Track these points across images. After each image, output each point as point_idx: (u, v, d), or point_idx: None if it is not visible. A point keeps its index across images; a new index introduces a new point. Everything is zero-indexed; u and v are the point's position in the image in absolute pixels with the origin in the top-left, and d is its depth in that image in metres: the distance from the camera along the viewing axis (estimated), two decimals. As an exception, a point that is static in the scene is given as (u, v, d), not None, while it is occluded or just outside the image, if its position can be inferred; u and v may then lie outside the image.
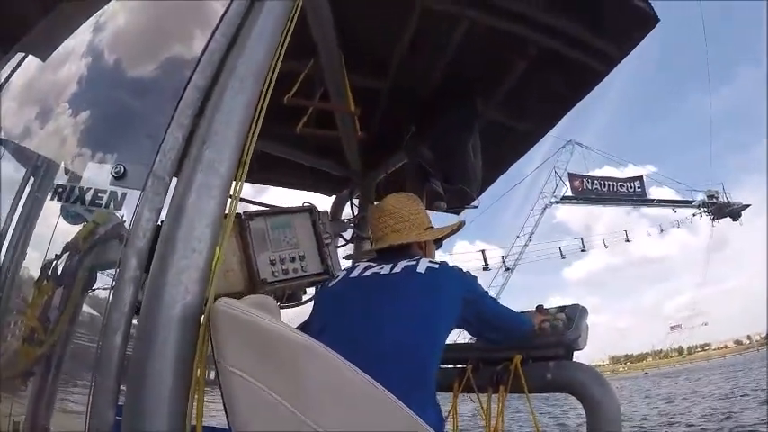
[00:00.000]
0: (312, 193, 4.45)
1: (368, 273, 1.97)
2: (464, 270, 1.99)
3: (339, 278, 2.04)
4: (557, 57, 3.06)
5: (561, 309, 2.20)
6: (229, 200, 1.30)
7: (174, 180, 1.31)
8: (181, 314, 1.13)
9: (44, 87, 1.89)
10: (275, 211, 2.55)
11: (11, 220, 1.52)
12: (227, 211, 1.30)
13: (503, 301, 2.13)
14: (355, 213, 3.91)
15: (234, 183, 1.32)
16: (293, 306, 2.62)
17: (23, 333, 1.43)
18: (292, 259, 2.43)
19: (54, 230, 1.44)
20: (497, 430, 2.13)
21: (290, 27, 1.61)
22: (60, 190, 1.43)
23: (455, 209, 3.86)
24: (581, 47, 3.01)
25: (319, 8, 2.50)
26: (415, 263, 1.92)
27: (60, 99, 1.73)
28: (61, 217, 1.41)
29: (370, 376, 1.20)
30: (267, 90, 1.46)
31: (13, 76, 1.91)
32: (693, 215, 49.88)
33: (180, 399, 1.10)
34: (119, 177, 1.32)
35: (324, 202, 4.34)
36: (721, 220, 49.48)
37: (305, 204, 2.67)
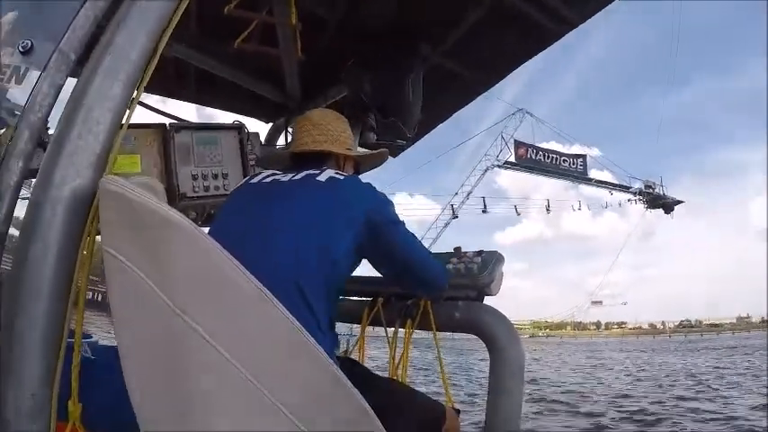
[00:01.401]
0: (248, 118, 4.27)
1: (268, 179, 1.83)
2: (377, 190, 1.82)
3: (240, 184, 1.91)
4: (513, 11, 3.02)
5: (478, 253, 2.20)
6: (135, 89, 1.22)
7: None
8: (69, 196, 1.08)
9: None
10: (202, 126, 2.49)
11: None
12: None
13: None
14: (289, 141, 3.80)
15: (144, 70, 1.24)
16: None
17: None
18: (215, 176, 2.40)
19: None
20: (402, 365, 2.17)
21: None
22: None
23: (385, 142, 3.81)
24: (538, 5, 2.97)
25: None
26: (318, 171, 1.79)
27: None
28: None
29: None
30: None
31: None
32: (629, 200, 51.95)
33: (62, 281, 1.07)
34: (25, 52, 1.23)
35: (260, 129, 4.21)
36: (654, 211, 51.85)
37: (234, 123, 2.61)
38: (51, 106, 1.18)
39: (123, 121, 1.19)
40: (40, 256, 1.05)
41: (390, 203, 1.83)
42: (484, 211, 47.16)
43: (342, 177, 1.76)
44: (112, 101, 1.14)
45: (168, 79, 3.72)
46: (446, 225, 45.75)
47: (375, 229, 1.70)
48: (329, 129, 2.00)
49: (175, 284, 1.03)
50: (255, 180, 1.86)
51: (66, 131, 1.10)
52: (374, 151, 2.22)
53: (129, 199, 1.02)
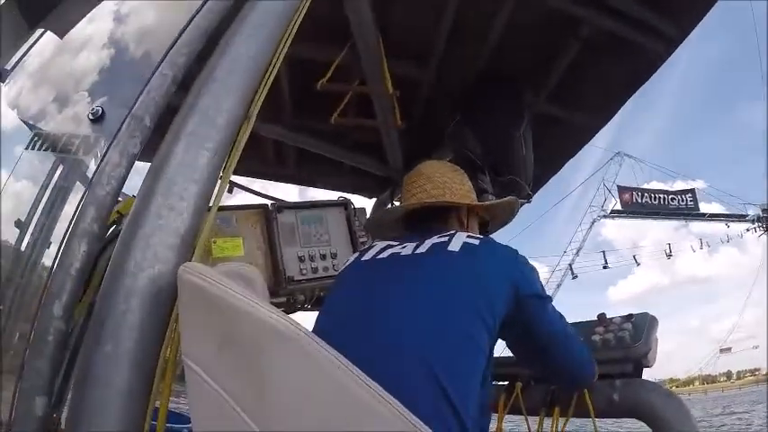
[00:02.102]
0: (352, 195, 4.20)
1: (384, 254, 1.50)
2: (522, 255, 1.50)
3: (349, 262, 1.60)
4: (612, 38, 2.79)
5: (627, 318, 1.86)
6: (227, 158, 1.06)
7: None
8: (146, 285, 0.89)
9: (59, 64, 1.77)
10: (306, 204, 2.38)
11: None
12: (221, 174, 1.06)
13: None
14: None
15: (237, 135, 1.08)
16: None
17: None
18: (323, 257, 2.25)
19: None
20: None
21: None
22: (36, 138, 1.25)
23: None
24: (638, 26, 2.72)
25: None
26: (447, 239, 1.45)
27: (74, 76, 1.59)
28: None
29: None
30: (286, 40, 1.24)
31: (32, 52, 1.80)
32: (747, 230, 47.09)
33: (139, 392, 0.87)
34: (95, 120, 1.12)
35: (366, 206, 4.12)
36: None
37: (340, 199, 2.48)
38: (124, 179, 1.03)
39: (213, 197, 1.03)
40: (110, 362, 0.86)
41: (535, 272, 1.50)
42: (605, 267, 44.48)
43: (478, 242, 1.46)
44: (198, 171, 0.97)
45: (268, 162, 3.75)
46: (558, 286, 43.64)
47: (519, 303, 1.39)
48: (445, 181, 1.67)
49: (271, 412, 0.79)
50: (368, 256, 1.54)
51: (143, 208, 0.93)
52: (503, 200, 1.87)
53: (212, 294, 0.81)
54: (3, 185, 1.46)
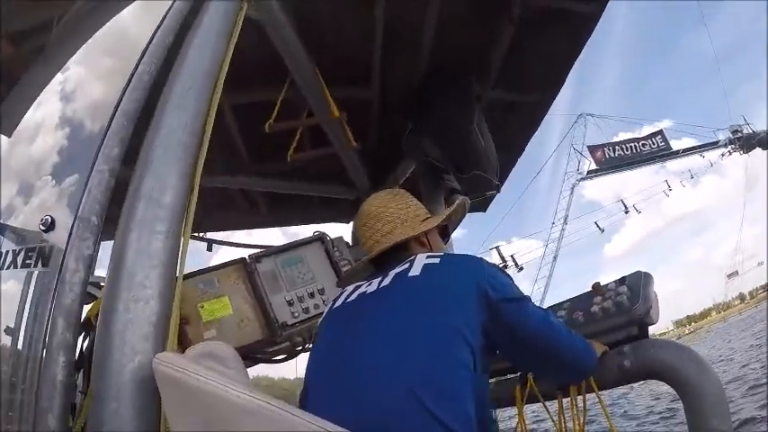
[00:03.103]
0: (330, 224, 4.22)
1: (353, 296, 1.51)
2: (486, 261, 1.48)
3: (325, 313, 1.60)
4: (543, 11, 2.83)
5: (621, 281, 1.84)
6: (183, 237, 1.06)
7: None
8: (131, 380, 0.91)
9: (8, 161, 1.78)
10: (283, 248, 2.35)
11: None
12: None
13: (553, 294, 1.70)
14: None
15: (185, 213, 1.08)
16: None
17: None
18: (311, 295, 2.22)
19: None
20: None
21: (231, 40, 1.45)
22: None
23: (476, 198, 3.55)
24: None
25: (280, 27, 2.33)
26: (407, 265, 1.45)
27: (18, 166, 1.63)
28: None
29: None
30: (212, 105, 1.25)
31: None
32: (722, 155, 47.30)
33: None
34: (47, 229, 1.13)
35: (346, 232, 4.12)
36: (752, 153, 47.11)
37: (315, 234, 2.47)
38: (85, 282, 1.03)
39: (177, 274, 1.02)
40: None
41: (505, 276, 1.47)
42: (602, 231, 44.46)
43: (438, 260, 1.44)
44: (156, 257, 0.98)
45: (240, 212, 3.75)
46: (555, 258, 43.57)
47: (494, 310, 1.35)
48: (390, 212, 1.69)
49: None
50: (340, 302, 1.55)
51: (111, 307, 0.94)
52: (451, 207, 1.84)
53: (186, 383, 0.81)
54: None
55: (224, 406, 0.78)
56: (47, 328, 1.02)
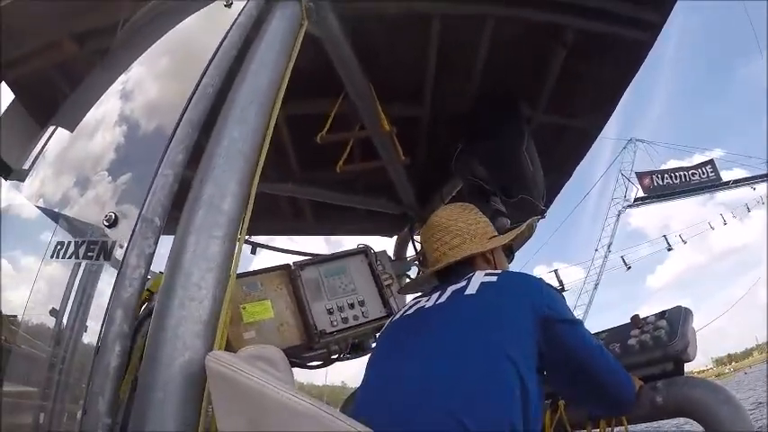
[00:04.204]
0: (373, 237, 4.27)
1: (411, 310, 1.57)
2: (544, 281, 1.51)
3: (384, 327, 1.67)
4: (596, 38, 2.81)
5: (661, 315, 1.82)
6: (237, 242, 1.13)
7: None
8: (179, 373, 0.97)
9: (71, 155, 1.90)
10: (327, 258, 2.42)
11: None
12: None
13: (592, 322, 1.69)
14: (417, 250, 3.67)
15: (241, 220, 1.15)
16: (363, 356, 2.43)
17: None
18: (351, 306, 2.27)
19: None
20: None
21: (291, 56, 1.53)
22: (59, 247, 1.34)
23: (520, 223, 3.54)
24: (618, 20, 2.74)
25: (338, 44, 2.40)
26: (465, 283, 1.48)
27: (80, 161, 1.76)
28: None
29: None
30: (271, 119, 1.32)
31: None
32: None
33: None
34: (110, 225, 1.21)
35: (388, 246, 4.17)
36: None
37: (359, 246, 2.52)
38: (144, 278, 1.11)
39: (231, 272, 1.09)
40: None
41: (561, 298, 1.49)
42: (629, 268, 43.12)
43: (495, 279, 1.47)
44: (212, 260, 1.05)
45: (286, 219, 3.83)
46: (596, 286, 42.39)
47: (549, 331, 1.36)
48: (459, 226, 1.72)
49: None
50: (399, 315, 1.62)
51: (167, 301, 1.02)
52: (520, 227, 1.90)
53: (238, 381, 0.87)
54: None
55: (274, 406, 0.83)
56: (105, 319, 1.10)
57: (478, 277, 1.48)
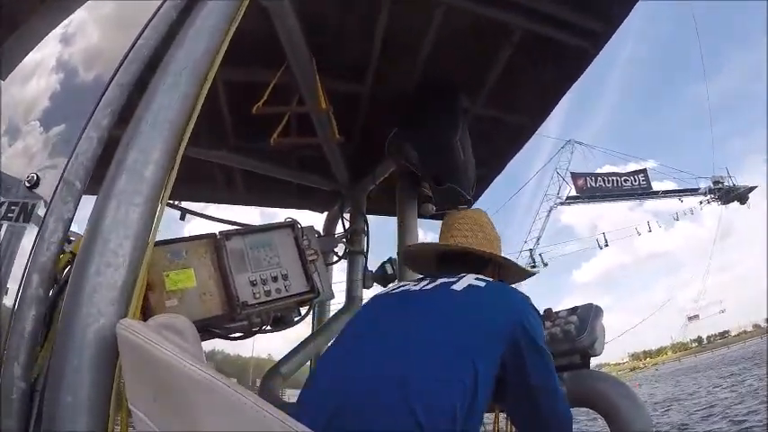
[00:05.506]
0: (304, 211, 4.25)
1: (399, 290, 1.62)
2: (531, 303, 1.53)
3: (370, 299, 1.74)
4: (542, 40, 2.88)
5: (573, 310, 1.91)
6: (159, 206, 1.11)
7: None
8: (94, 339, 0.96)
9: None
10: (253, 229, 2.38)
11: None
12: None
13: None
14: (346, 227, 3.70)
15: (164, 186, 1.13)
16: (284, 329, 2.44)
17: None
18: (274, 279, 2.26)
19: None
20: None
21: (233, 23, 1.47)
22: None
23: (445, 211, 3.61)
24: (567, 27, 2.82)
25: (285, 13, 2.37)
26: (455, 279, 1.51)
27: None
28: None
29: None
30: (204, 86, 1.28)
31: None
32: (700, 203, 48.07)
33: None
34: (32, 186, 1.17)
35: (317, 221, 4.16)
36: (729, 205, 48.17)
37: (286, 220, 2.51)
38: (61, 242, 1.08)
39: (149, 240, 1.07)
40: (71, 412, 0.93)
41: (540, 325, 1.51)
42: (546, 264, 44.79)
43: (483, 284, 1.48)
44: (130, 227, 1.03)
45: (217, 186, 3.76)
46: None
47: (519, 351, 1.37)
48: (487, 230, 1.83)
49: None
50: (383, 292, 1.71)
51: (83, 268, 1.00)
52: (526, 268, 1.97)
53: (145, 350, 0.87)
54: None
55: (177, 376, 0.83)
56: (21, 282, 1.06)
57: (469, 279, 1.51)
